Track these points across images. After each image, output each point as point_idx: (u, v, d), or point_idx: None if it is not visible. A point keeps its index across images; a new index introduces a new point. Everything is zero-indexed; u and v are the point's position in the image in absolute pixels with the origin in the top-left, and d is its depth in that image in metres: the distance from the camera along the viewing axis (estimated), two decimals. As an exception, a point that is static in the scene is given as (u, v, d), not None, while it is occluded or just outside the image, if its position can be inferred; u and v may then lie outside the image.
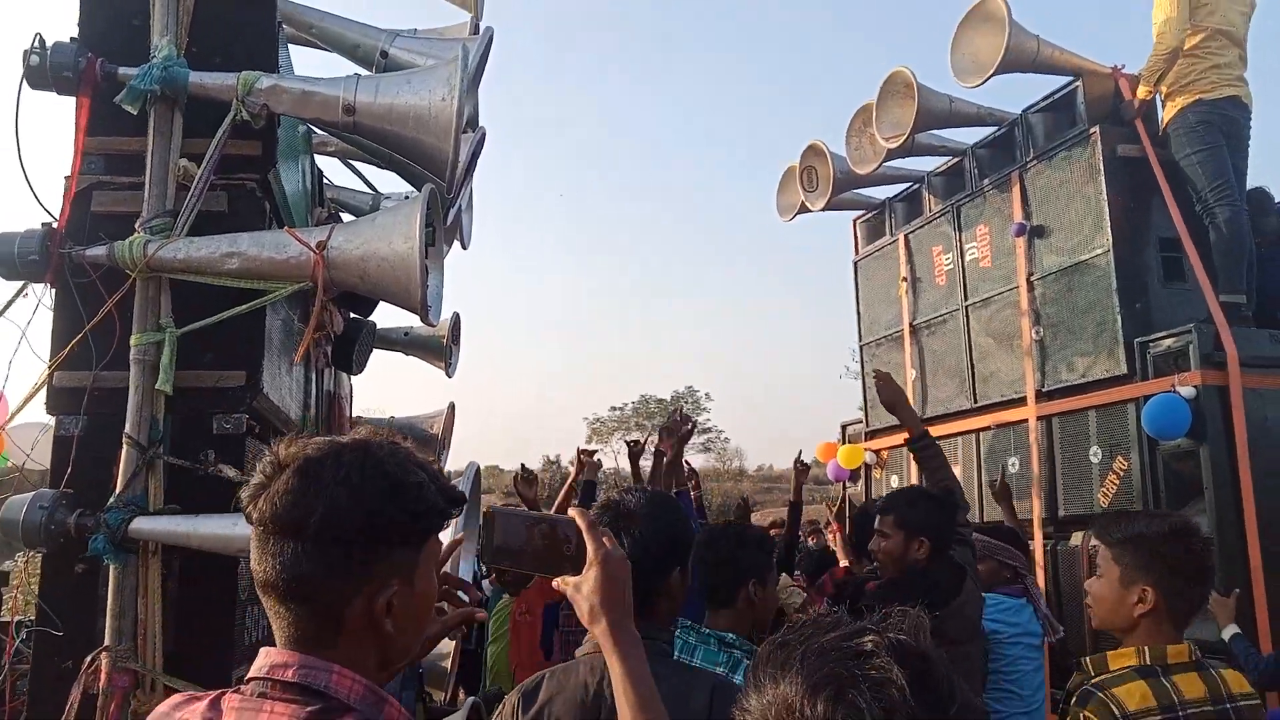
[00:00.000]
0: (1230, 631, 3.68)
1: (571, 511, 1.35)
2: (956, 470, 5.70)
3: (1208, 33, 4.76)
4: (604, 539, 1.31)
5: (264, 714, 1.04)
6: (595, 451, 5.27)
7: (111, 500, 2.44)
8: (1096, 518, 4.05)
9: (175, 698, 1.14)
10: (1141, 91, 4.86)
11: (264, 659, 1.09)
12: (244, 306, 2.59)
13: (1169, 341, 4.38)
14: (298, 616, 1.07)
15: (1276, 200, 5.26)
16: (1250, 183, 4.95)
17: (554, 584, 1.33)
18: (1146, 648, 2.08)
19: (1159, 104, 5.02)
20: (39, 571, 2.60)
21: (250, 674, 1.09)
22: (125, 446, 2.48)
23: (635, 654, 1.28)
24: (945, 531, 2.93)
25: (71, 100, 2.70)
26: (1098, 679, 2.09)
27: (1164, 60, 4.75)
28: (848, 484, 7.14)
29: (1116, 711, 1.99)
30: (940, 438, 5.85)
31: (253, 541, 1.08)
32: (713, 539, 2.51)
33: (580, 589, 1.29)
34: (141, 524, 2.42)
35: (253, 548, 1.08)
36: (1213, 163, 4.69)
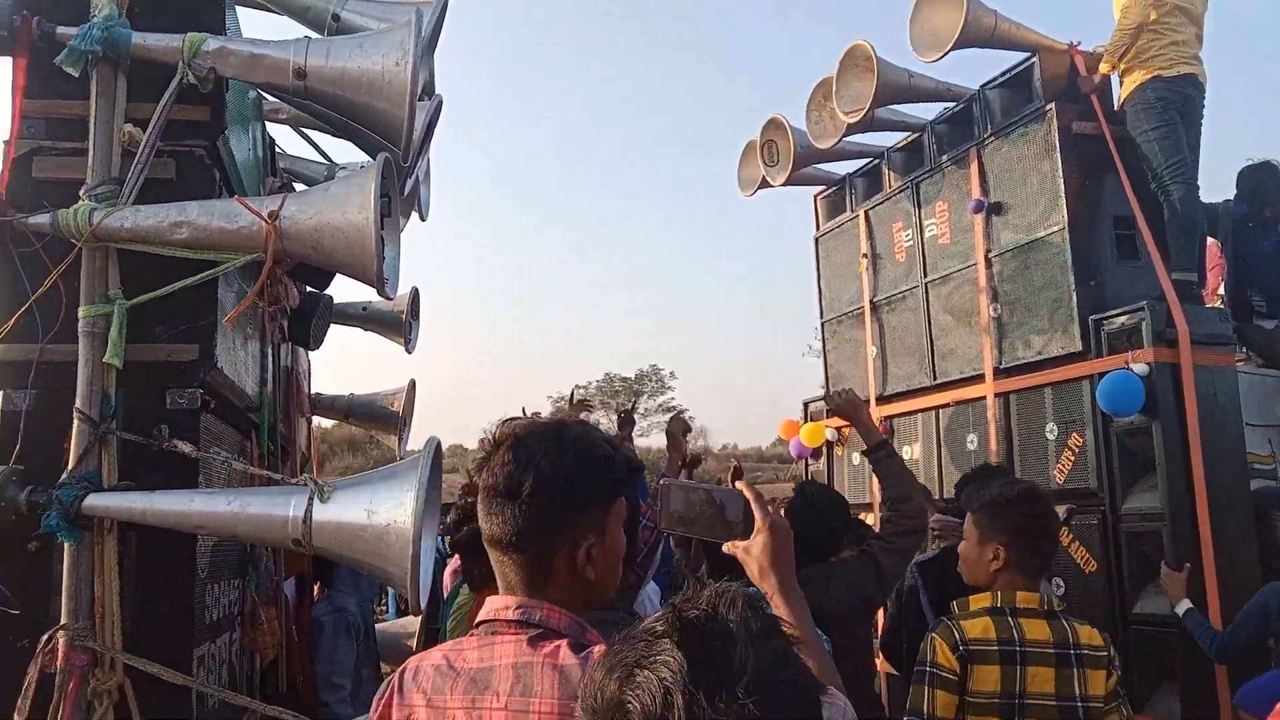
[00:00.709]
0: (1184, 607, 3.77)
1: (739, 485, 1.51)
2: (916, 447, 5.80)
3: (1167, 8, 4.80)
4: (769, 508, 1.50)
5: (497, 645, 1.30)
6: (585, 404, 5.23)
7: (64, 476, 2.37)
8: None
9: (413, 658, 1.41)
10: (1104, 67, 4.91)
11: (489, 606, 1.37)
12: (194, 278, 2.53)
13: (1123, 319, 4.44)
14: (518, 564, 1.34)
15: None
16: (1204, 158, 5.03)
17: (724, 548, 1.50)
18: (999, 593, 2.48)
19: (1115, 81, 5.07)
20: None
21: (478, 619, 1.37)
22: (76, 421, 2.41)
23: (802, 606, 1.47)
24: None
25: (8, 61, 2.61)
26: (955, 615, 2.50)
27: (1129, 35, 4.80)
28: (810, 462, 7.19)
29: (958, 637, 2.40)
30: (901, 414, 5.93)
31: (480, 504, 1.37)
32: None
33: (750, 551, 1.47)
34: (95, 500, 2.37)
35: (480, 509, 1.37)
36: (1169, 140, 4.74)
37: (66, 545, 2.41)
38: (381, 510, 2.45)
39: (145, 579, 2.55)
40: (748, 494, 1.49)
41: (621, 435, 5.12)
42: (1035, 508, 2.63)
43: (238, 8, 3.40)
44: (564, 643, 1.27)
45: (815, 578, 3.00)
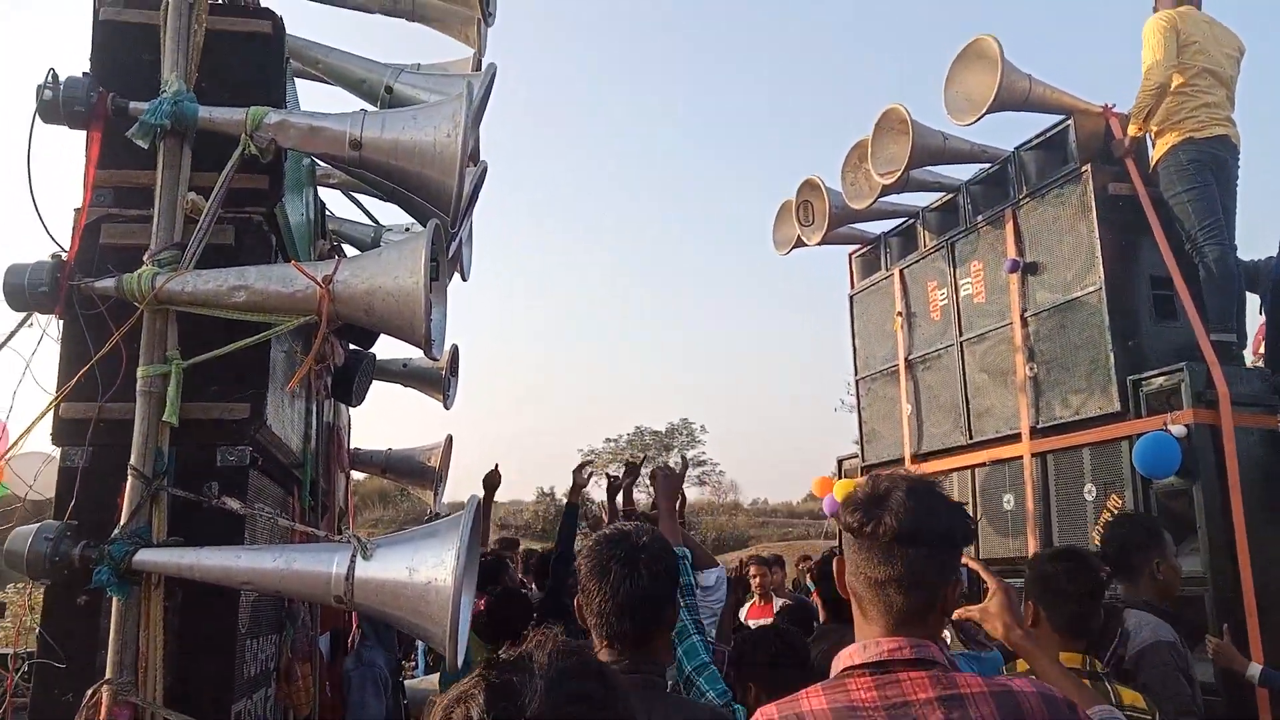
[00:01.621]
0: (1255, 670, 3.65)
1: (964, 560, 1.70)
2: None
3: (1196, 70, 4.85)
4: (993, 573, 1.83)
5: (905, 683, 1.41)
6: (588, 465, 5.18)
7: (116, 532, 2.44)
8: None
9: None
10: (1131, 129, 4.95)
11: (873, 649, 1.47)
12: (250, 339, 2.61)
13: (1161, 380, 4.42)
14: (911, 603, 1.48)
15: None
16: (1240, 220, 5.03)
17: (958, 612, 1.75)
18: None
19: (1149, 142, 5.10)
20: (41, 603, 2.59)
21: (858, 662, 1.47)
22: (130, 478, 2.48)
23: (1048, 650, 1.80)
24: None
25: (82, 134, 2.75)
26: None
27: (1151, 97, 4.85)
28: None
29: None
30: (936, 473, 5.90)
31: (863, 549, 1.52)
32: None
33: (989, 610, 1.78)
34: (145, 556, 2.42)
35: (869, 553, 1.51)
36: (1202, 201, 4.75)
37: (115, 600, 2.46)
38: (423, 569, 2.48)
39: (189, 634, 2.59)
40: (973, 565, 1.76)
41: (626, 482, 5.14)
42: (1063, 564, 2.68)
43: (297, 79, 3.56)
44: (979, 677, 1.44)
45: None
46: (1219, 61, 4.89)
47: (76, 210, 2.72)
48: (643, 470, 5.07)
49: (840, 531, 1.72)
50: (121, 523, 2.49)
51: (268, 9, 3.12)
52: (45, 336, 2.71)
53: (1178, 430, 4.20)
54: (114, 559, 2.42)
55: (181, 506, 2.59)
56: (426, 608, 2.48)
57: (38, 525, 2.43)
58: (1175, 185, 4.82)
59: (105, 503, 2.56)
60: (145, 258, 2.61)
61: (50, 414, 2.60)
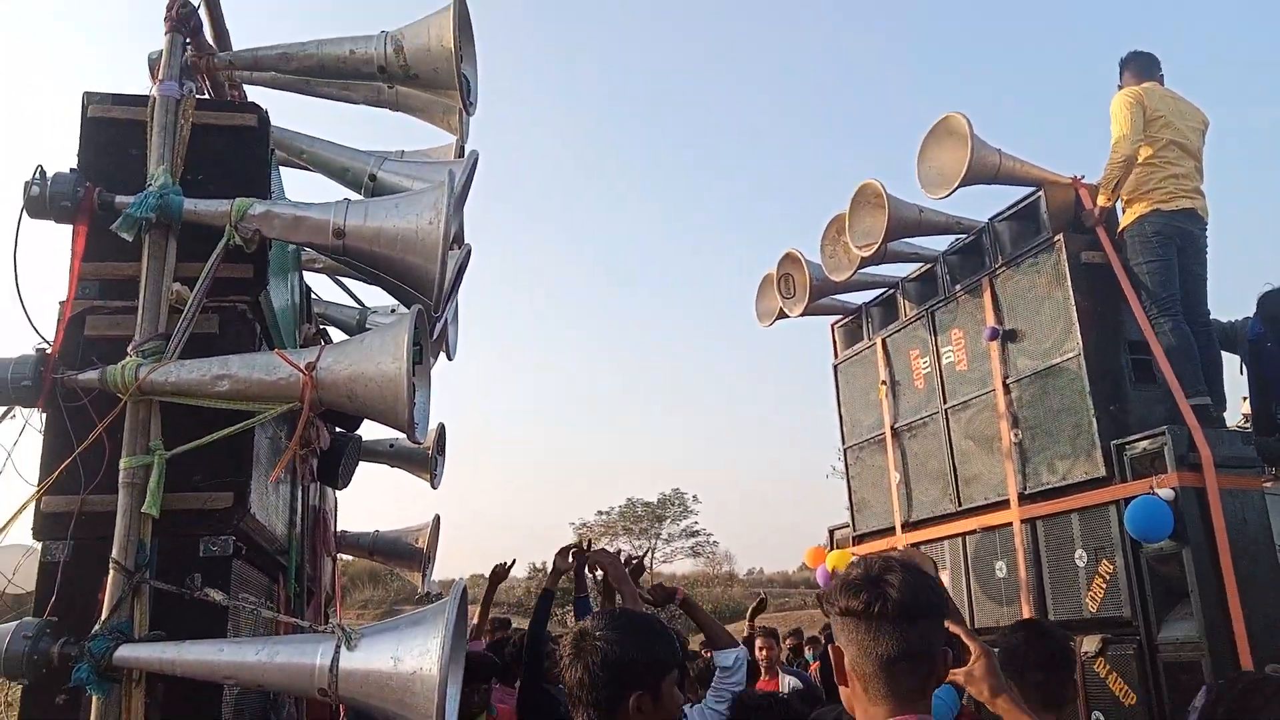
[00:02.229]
0: None
1: (949, 625, 1.71)
2: (945, 575, 5.70)
3: (1163, 143, 5.00)
4: (974, 638, 1.88)
5: None
6: (573, 549, 4.87)
7: (97, 628, 2.40)
8: None
9: None
10: (1100, 200, 5.07)
11: None
12: (233, 428, 2.62)
13: (1144, 443, 4.44)
14: (917, 677, 1.56)
15: None
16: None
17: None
18: None
19: (1119, 210, 5.23)
20: (19, 703, 2.54)
21: None
22: (112, 572, 2.46)
23: (1028, 713, 1.86)
24: None
25: (68, 227, 2.78)
26: None
27: (1119, 169, 4.99)
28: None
29: None
30: (926, 542, 5.87)
31: (875, 628, 1.56)
32: None
33: (973, 674, 1.85)
34: (126, 652, 2.39)
35: (876, 632, 1.56)
36: (1160, 275, 4.88)
37: (95, 698, 2.42)
38: (408, 659, 2.45)
39: (170, 730, 2.54)
40: (955, 629, 1.75)
41: (572, 565, 4.79)
42: (1022, 634, 2.71)
43: (283, 167, 3.63)
44: None
45: None
46: (1185, 135, 5.04)
47: (61, 303, 2.74)
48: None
49: (837, 616, 1.66)
50: (102, 618, 2.46)
51: (253, 103, 3.21)
52: (28, 428, 2.71)
53: (1165, 493, 4.21)
54: (94, 656, 2.39)
55: (164, 599, 2.57)
56: (412, 699, 2.44)
57: (15, 624, 2.39)
58: (1139, 255, 4.94)
59: (86, 597, 2.53)
60: (129, 349, 2.63)
61: (31, 507, 2.59)
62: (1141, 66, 5.24)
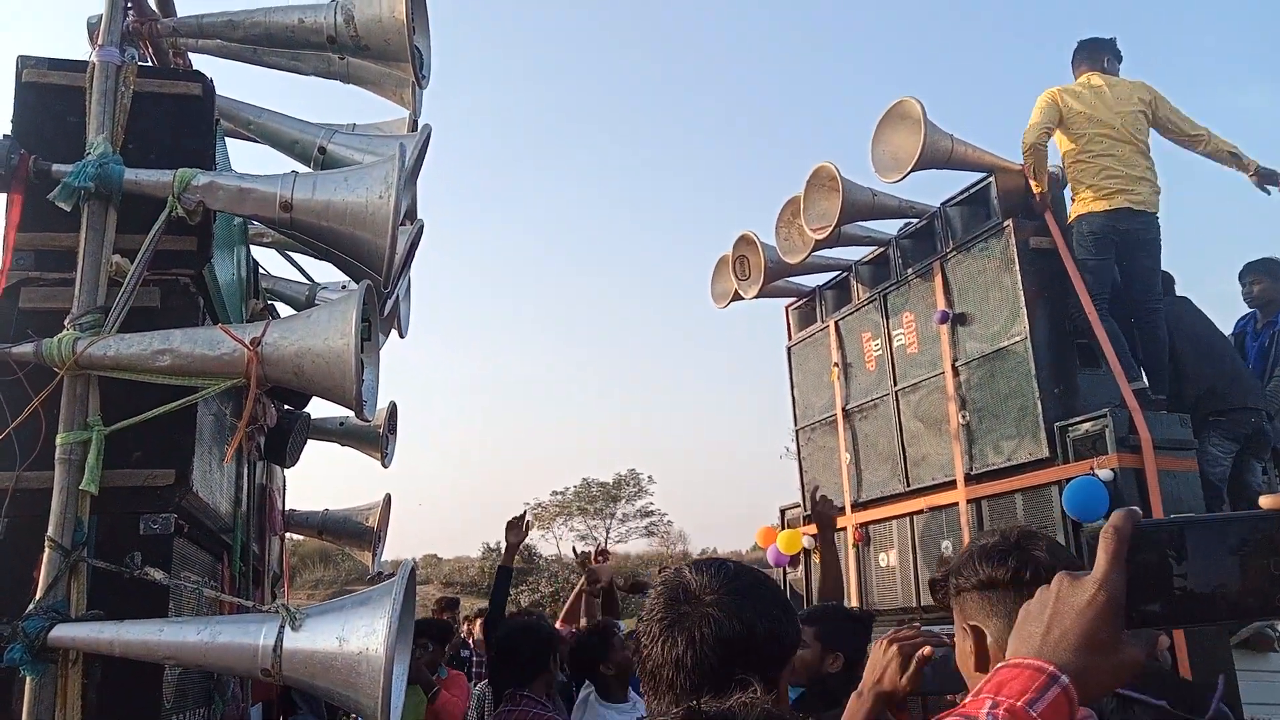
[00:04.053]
0: None
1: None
2: (892, 554, 5.80)
3: (1087, 138, 5.09)
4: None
5: None
6: (521, 520, 4.91)
7: (31, 607, 2.35)
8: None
9: None
10: (1035, 186, 5.18)
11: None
12: (175, 404, 2.55)
13: (1086, 425, 4.55)
14: None
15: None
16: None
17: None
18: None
19: (1067, 199, 5.32)
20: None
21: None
22: (47, 550, 2.40)
23: None
24: (860, 650, 3.04)
25: (2, 196, 2.69)
26: None
27: (1028, 157, 5.15)
28: (788, 570, 7.16)
29: None
30: (876, 521, 5.96)
31: (1009, 596, 1.43)
32: None
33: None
34: (62, 632, 2.33)
35: (1014, 600, 1.40)
36: (1094, 274, 5.00)
37: (29, 679, 2.36)
38: (353, 639, 2.43)
39: (109, 712, 2.48)
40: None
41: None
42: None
43: (228, 139, 3.54)
44: None
45: None
46: (1112, 123, 5.08)
47: (-5, 275, 2.65)
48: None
49: (973, 592, 1.48)
50: (37, 597, 2.40)
51: (197, 71, 3.12)
52: (-40, 403, 2.62)
53: (1105, 474, 4.32)
54: (28, 636, 2.33)
55: (103, 578, 2.51)
56: (357, 679, 2.42)
57: (-55, 604, 2.32)
58: (1078, 251, 5.07)
59: (21, 576, 2.46)
60: (66, 322, 2.55)
61: (-37, 484, 2.51)
62: (1087, 55, 5.32)
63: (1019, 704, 0.88)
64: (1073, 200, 5.20)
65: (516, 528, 4.78)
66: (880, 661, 1.59)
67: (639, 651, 1.44)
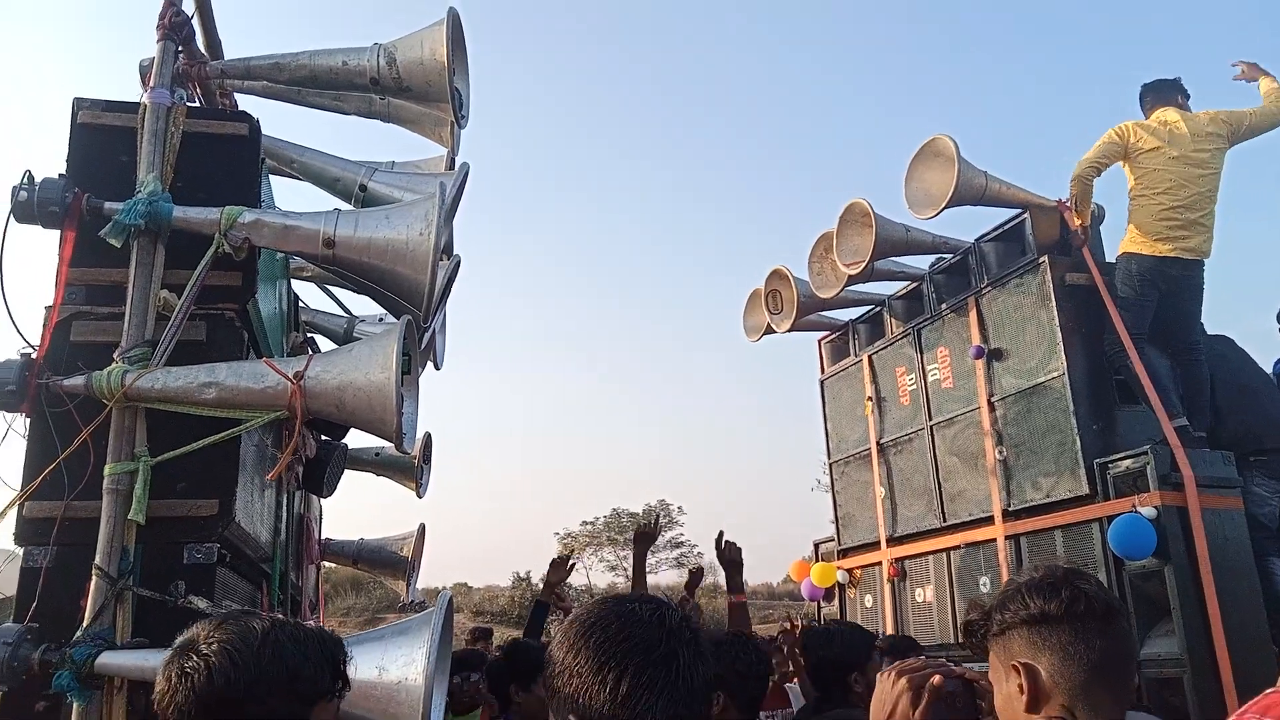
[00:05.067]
0: None
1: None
2: (929, 590, 5.73)
3: (1152, 173, 4.97)
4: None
5: None
6: (567, 559, 5.10)
7: (78, 634, 2.39)
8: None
9: None
10: (1075, 221, 5.14)
11: None
12: (219, 435, 2.61)
13: (1127, 462, 4.48)
14: (1130, 677, 1.44)
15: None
16: None
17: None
18: None
19: (1103, 235, 5.30)
20: (-3, 710, 2.52)
21: None
22: (94, 578, 2.45)
23: None
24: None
25: (55, 233, 2.78)
26: None
27: (1073, 187, 5.11)
28: (821, 603, 7.09)
29: None
30: (911, 556, 5.89)
31: (1062, 630, 1.42)
32: None
33: None
34: (108, 659, 2.37)
35: (1068, 634, 1.41)
36: (1133, 313, 4.94)
37: (75, 705, 2.40)
38: (393, 668, 2.44)
39: (152, 739, 2.52)
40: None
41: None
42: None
43: (274, 176, 3.63)
44: None
45: None
46: (1188, 157, 4.95)
47: (48, 308, 2.73)
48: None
49: (1023, 627, 1.44)
50: (84, 624, 2.45)
51: (244, 112, 3.21)
52: (12, 433, 2.69)
53: (1148, 512, 4.25)
54: (75, 663, 2.37)
55: (147, 606, 2.55)
56: (396, 708, 2.43)
57: (-5, 630, 2.38)
58: (1121, 288, 5.02)
59: (69, 604, 2.52)
60: (115, 355, 2.62)
61: (14, 512, 2.57)
62: (1158, 95, 5.21)
63: None
64: (1126, 233, 5.13)
65: (560, 567, 4.82)
66: (890, 695, 1.51)
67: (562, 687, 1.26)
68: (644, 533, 4.97)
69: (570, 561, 4.96)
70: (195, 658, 1.41)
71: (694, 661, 1.26)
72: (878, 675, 1.58)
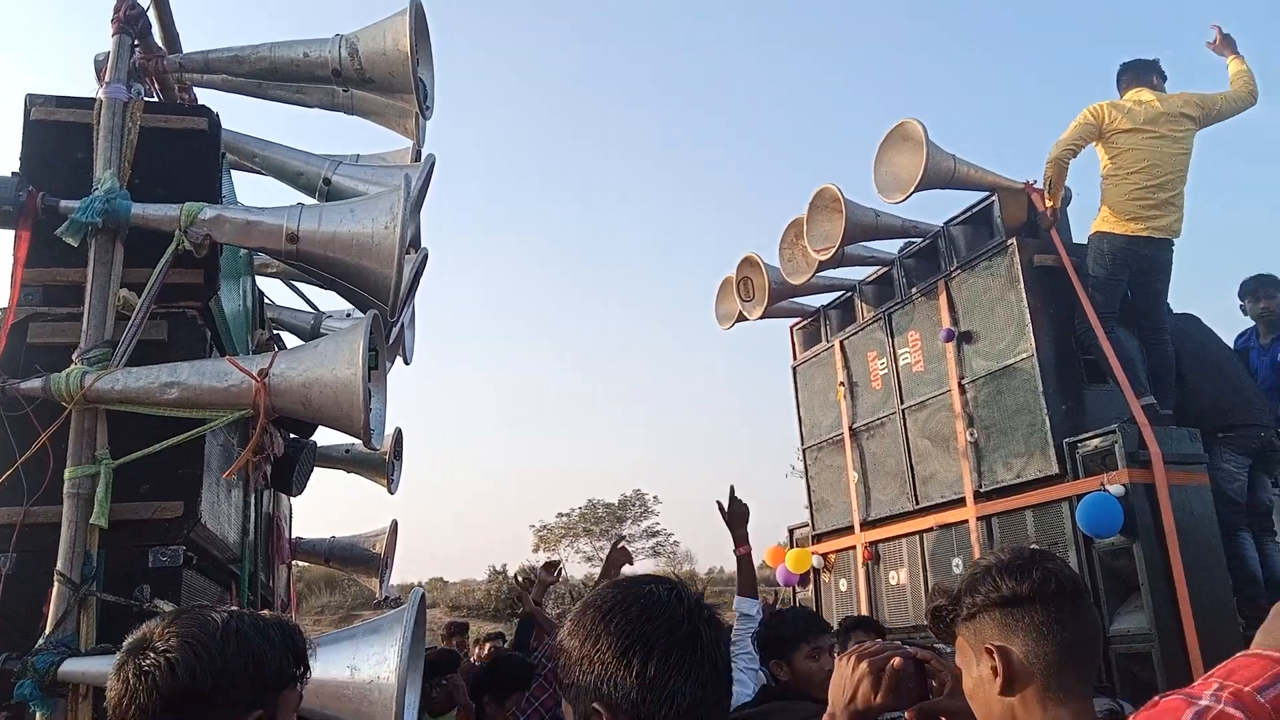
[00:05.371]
0: None
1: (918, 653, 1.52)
2: (903, 572, 5.78)
3: (1125, 151, 5.00)
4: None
5: None
6: (550, 566, 5.26)
7: (40, 642, 2.34)
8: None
9: None
10: (1048, 202, 5.17)
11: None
12: (183, 436, 2.56)
13: (1096, 441, 4.53)
14: (1097, 657, 1.46)
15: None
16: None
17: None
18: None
19: (1070, 217, 5.34)
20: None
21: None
22: (56, 584, 2.40)
23: None
24: None
25: (9, 232, 2.71)
26: None
27: (1048, 169, 5.13)
28: (797, 589, 7.13)
29: None
30: (885, 539, 5.94)
31: (1035, 611, 1.41)
32: None
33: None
34: (72, 666, 2.33)
35: (1041, 614, 1.40)
36: (1106, 293, 5.00)
37: (39, 714, 2.36)
38: (364, 667, 2.42)
39: (121, 746, 2.48)
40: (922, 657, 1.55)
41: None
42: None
43: (233, 171, 3.57)
44: None
45: None
46: (1160, 133, 4.99)
47: (3, 310, 2.67)
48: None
49: (994, 610, 1.43)
50: (47, 631, 2.40)
51: (203, 106, 3.15)
52: (-31, 439, 2.63)
53: (1116, 490, 4.30)
54: (38, 671, 2.33)
55: (112, 612, 2.51)
56: (369, 708, 2.41)
57: (-45, 641, 2.32)
58: (1093, 267, 5.06)
59: (30, 611, 2.47)
60: (74, 356, 2.57)
61: (-28, 520, 2.52)
62: (1134, 75, 5.24)
63: (1247, 689, 0.88)
64: (1099, 213, 5.16)
65: (551, 569, 5.03)
66: (850, 679, 1.50)
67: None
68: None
69: (560, 567, 5.09)
70: (153, 655, 1.37)
71: (715, 639, 1.24)
72: (837, 659, 1.58)
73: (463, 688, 4.82)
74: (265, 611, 1.58)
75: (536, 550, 31.78)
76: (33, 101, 2.88)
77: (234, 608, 1.48)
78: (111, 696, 1.39)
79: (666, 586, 1.28)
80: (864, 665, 1.50)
